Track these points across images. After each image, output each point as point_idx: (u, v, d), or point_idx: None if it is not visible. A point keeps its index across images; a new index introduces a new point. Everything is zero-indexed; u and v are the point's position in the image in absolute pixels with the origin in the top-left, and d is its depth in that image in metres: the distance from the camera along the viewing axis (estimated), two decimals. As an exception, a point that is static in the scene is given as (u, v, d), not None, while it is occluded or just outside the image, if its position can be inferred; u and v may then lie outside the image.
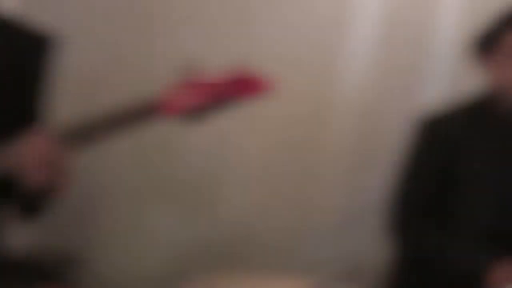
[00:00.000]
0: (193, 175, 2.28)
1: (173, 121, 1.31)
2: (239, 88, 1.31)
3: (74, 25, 2.09)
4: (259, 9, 2.26)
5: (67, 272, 2.12)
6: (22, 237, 2.06)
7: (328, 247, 2.33)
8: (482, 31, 1.78)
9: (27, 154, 1.26)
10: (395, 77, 2.33)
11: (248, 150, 2.29)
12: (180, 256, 2.30)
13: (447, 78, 2.35)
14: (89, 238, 2.30)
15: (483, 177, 1.75)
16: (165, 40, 2.19)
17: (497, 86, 1.75)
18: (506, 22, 1.75)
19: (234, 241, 2.29)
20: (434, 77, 2.35)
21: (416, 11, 2.33)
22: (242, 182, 2.33)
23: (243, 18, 2.26)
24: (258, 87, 1.31)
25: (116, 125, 1.30)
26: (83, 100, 2.07)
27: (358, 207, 2.35)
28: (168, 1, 2.25)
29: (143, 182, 2.29)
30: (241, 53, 2.04)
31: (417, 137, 1.82)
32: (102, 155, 2.03)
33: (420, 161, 1.82)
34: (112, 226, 2.30)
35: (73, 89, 2.05)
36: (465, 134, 1.78)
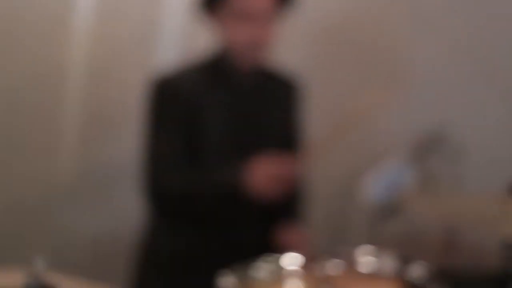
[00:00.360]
0: None
1: None
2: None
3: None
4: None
5: None
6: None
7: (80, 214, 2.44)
8: None
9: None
10: (128, 38, 2.43)
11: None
12: None
13: (181, 37, 2.48)
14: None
15: (218, 127, 1.96)
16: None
17: (224, 44, 1.95)
18: None
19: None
20: (169, 36, 2.48)
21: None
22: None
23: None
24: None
25: None
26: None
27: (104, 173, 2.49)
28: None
29: None
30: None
31: (153, 97, 1.97)
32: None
33: (160, 120, 1.97)
34: None
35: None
36: (198, 90, 1.96)
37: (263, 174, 1.84)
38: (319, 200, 2.23)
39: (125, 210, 2.36)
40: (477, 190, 2.33)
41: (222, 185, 1.92)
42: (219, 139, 1.97)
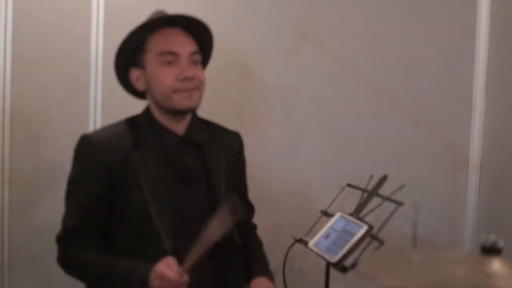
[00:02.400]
0: None
1: None
2: None
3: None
4: None
5: None
6: None
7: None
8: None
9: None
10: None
11: None
12: None
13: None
14: None
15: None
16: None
17: (156, 93, 1.94)
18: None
19: None
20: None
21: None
22: None
23: None
24: None
25: None
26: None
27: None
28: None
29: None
30: None
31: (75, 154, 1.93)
32: None
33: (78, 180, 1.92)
34: None
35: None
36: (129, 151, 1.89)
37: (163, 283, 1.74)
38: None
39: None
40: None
41: (119, 281, 1.82)
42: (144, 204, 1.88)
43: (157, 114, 1.98)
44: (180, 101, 1.92)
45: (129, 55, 1.95)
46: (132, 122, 1.98)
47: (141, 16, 2.55)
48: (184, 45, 1.94)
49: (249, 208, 2.26)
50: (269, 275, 2.07)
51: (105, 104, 2.61)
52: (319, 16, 2.82)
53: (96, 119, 2.60)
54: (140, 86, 1.97)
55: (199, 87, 1.96)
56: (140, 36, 1.93)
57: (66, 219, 1.92)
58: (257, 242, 2.25)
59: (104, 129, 2.01)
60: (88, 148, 1.90)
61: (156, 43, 1.93)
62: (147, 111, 2.00)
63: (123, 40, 1.94)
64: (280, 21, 2.78)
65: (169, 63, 1.91)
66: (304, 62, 2.81)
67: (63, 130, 2.55)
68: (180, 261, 1.79)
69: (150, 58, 1.93)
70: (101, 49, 2.58)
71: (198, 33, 2.00)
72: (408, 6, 2.90)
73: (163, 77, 1.91)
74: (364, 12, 2.86)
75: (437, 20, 2.93)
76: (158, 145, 1.94)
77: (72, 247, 1.90)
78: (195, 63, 1.96)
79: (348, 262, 1.96)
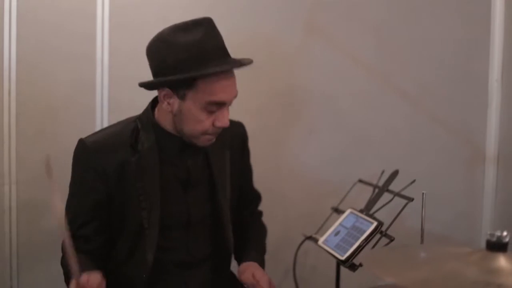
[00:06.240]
0: None
1: None
2: None
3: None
4: None
5: None
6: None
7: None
8: None
9: None
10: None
11: None
12: None
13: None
14: None
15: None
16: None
17: (179, 125, 1.85)
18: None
19: None
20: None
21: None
22: None
23: None
24: None
25: None
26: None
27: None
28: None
29: None
30: None
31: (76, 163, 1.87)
32: None
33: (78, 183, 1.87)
34: None
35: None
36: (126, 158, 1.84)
37: None
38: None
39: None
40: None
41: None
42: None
43: (162, 119, 1.90)
44: (204, 142, 1.87)
45: (171, 83, 1.81)
46: (132, 125, 1.91)
47: (146, 14, 2.56)
48: (233, 94, 1.83)
49: (255, 197, 2.24)
50: (260, 261, 2.03)
51: (111, 102, 2.59)
52: (330, 11, 2.77)
53: (102, 117, 2.57)
54: (166, 106, 1.84)
55: None
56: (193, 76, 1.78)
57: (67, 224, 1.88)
58: (259, 227, 2.23)
59: (103, 132, 1.96)
60: (83, 154, 1.85)
61: (209, 89, 1.77)
62: (147, 113, 1.92)
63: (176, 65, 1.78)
64: (291, 17, 2.73)
65: (213, 110, 1.81)
66: (315, 58, 2.77)
67: (70, 128, 2.54)
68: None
69: (195, 97, 1.78)
70: (106, 47, 2.56)
71: None
72: (420, -2, 2.85)
73: (201, 121, 1.81)
74: (376, 6, 2.81)
75: (451, 11, 2.87)
76: (158, 149, 1.88)
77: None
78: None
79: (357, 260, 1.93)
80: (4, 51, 2.49)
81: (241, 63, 1.81)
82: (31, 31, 2.51)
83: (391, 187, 2.15)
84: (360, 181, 2.29)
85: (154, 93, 1.91)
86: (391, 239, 1.93)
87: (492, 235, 1.33)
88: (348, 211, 2.14)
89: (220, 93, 1.78)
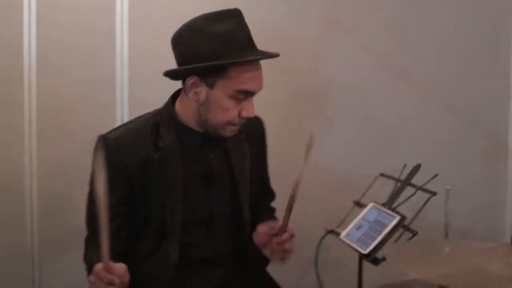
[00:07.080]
0: None
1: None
2: None
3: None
4: None
5: None
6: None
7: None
8: None
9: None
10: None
11: None
12: None
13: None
14: None
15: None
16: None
17: (204, 114, 1.84)
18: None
19: None
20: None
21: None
22: None
23: None
24: None
25: None
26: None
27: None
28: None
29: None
30: None
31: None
32: None
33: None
34: None
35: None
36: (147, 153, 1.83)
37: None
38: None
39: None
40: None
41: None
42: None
43: (183, 114, 1.90)
44: (229, 132, 1.87)
45: (202, 70, 1.81)
46: (152, 120, 1.90)
47: (165, 9, 2.55)
48: (261, 85, 1.85)
49: (270, 195, 2.21)
50: None
51: (131, 98, 2.59)
52: (349, 5, 2.76)
53: (123, 113, 2.58)
54: (193, 95, 1.84)
55: None
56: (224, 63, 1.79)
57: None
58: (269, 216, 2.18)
59: (123, 128, 1.94)
60: (104, 150, 1.78)
61: (240, 77, 1.79)
62: (167, 108, 1.92)
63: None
64: (310, 11, 2.72)
65: (241, 99, 1.83)
66: (335, 52, 2.75)
67: (90, 124, 2.55)
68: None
69: (225, 85, 1.79)
70: (126, 43, 2.56)
71: None
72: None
73: (228, 110, 1.82)
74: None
75: (473, 3, 2.83)
76: (179, 144, 1.87)
77: (89, 250, 1.85)
78: None
79: (380, 254, 1.91)
80: (24, 48, 2.50)
81: (269, 55, 1.83)
82: (50, 28, 2.52)
83: (413, 181, 2.13)
84: (382, 175, 2.27)
85: (174, 88, 1.91)
86: (414, 233, 1.92)
87: (515, 231, 1.31)
88: (370, 205, 2.12)
89: (250, 81, 1.80)
